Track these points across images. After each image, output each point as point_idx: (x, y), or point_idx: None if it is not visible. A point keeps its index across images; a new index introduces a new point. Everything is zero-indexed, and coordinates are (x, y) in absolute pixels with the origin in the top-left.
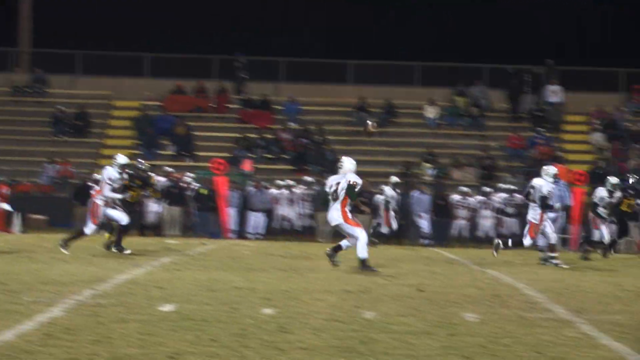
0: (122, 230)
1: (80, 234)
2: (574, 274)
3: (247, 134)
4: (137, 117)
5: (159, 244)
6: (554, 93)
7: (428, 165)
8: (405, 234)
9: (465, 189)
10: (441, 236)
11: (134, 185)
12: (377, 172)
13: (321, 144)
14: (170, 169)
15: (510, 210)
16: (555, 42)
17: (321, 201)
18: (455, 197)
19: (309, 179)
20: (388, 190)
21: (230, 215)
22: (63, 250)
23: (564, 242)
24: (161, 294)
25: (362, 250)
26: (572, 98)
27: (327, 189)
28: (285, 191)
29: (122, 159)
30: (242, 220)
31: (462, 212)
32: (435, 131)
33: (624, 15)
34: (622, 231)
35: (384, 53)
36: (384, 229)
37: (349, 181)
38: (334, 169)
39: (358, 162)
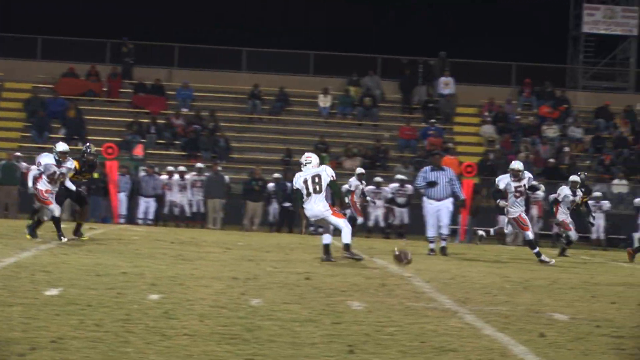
0: (56, 220)
1: (57, 221)
2: (461, 264)
3: (139, 118)
4: (28, 99)
5: (47, 228)
6: (446, 85)
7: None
8: (297, 222)
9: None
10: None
11: (84, 171)
12: (270, 160)
13: (214, 131)
14: None
15: (400, 200)
16: (449, 34)
17: (299, 199)
18: (345, 186)
19: (200, 165)
20: (353, 180)
21: (120, 200)
22: (64, 239)
23: (454, 232)
24: (46, 278)
25: (347, 236)
26: (464, 90)
27: (299, 185)
28: (176, 177)
29: (61, 146)
30: (132, 205)
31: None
32: (328, 120)
33: (516, 10)
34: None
35: (278, 41)
36: (360, 220)
37: (332, 176)
38: (225, 155)
39: (250, 150)
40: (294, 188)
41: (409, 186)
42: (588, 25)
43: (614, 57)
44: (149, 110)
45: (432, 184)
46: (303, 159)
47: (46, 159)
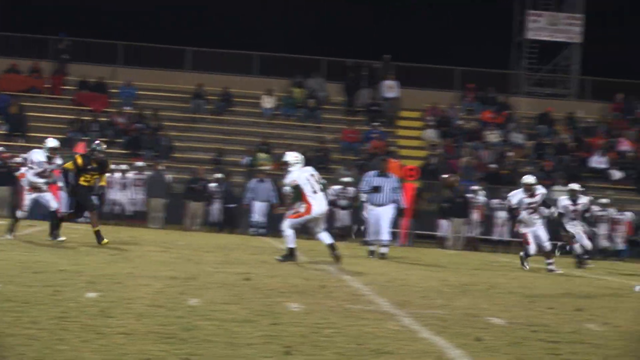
0: (54, 216)
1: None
2: (401, 268)
3: (81, 116)
4: None
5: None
6: (390, 88)
7: (263, 155)
8: (238, 222)
9: None
10: (273, 226)
11: (91, 169)
12: (212, 160)
13: (156, 130)
14: (1, 149)
15: (342, 202)
16: (393, 37)
17: (296, 196)
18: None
19: (141, 164)
20: None
21: (61, 197)
22: (8, 236)
23: (394, 236)
24: None
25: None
26: (407, 94)
27: (303, 182)
28: (117, 175)
29: (51, 142)
30: (72, 203)
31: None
32: (271, 121)
33: (459, 15)
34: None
35: (223, 41)
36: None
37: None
38: (167, 154)
39: (192, 150)
40: (295, 185)
41: (351, 189)
42: (531, 32)
43: (557, 64)
44: (92, 108)
45: (376, 189)
46: (291, 159)
47: (37, 155)
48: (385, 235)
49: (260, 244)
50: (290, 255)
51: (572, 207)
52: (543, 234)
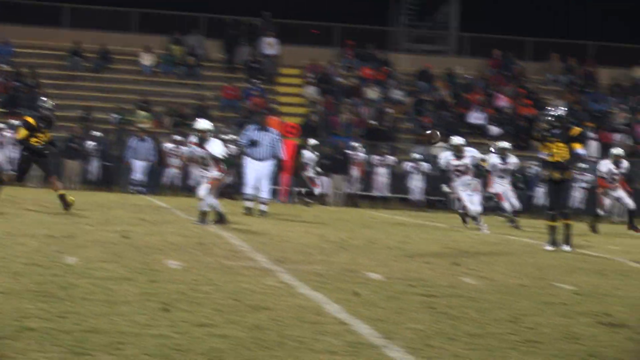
0: None
1: None
2: (280, 224)
3: None
4: None
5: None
6: (269, 45)
7: (143, 113)
8: (116, 180)
9: (178, 137)
10: (153, 184)
11: (42, 127)
12: (90, 118)
13: (34, 88)
14: None
15: None
16: None
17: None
18: (168, 145)
19: (18, 122)
20: (307, 153)
21: None
22: None
23: (274, 193)
24: None
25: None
26: (287, 51)
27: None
28: None
29: None
30: None
31: (175, 161)
32: (150, 79)
33: None
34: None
35: None
36: (316, 190)
37: None
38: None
39: (70, 107)
40: (227, 154)
41: (232, 147)
42: None
43: (436, 20)
44: None
45: (254, 143)
46: (210, 126)
47: None
48: (265, 194)
49: (140, 202)
50: (221, 218)
51: (501, 166)
52: (475, 199)
